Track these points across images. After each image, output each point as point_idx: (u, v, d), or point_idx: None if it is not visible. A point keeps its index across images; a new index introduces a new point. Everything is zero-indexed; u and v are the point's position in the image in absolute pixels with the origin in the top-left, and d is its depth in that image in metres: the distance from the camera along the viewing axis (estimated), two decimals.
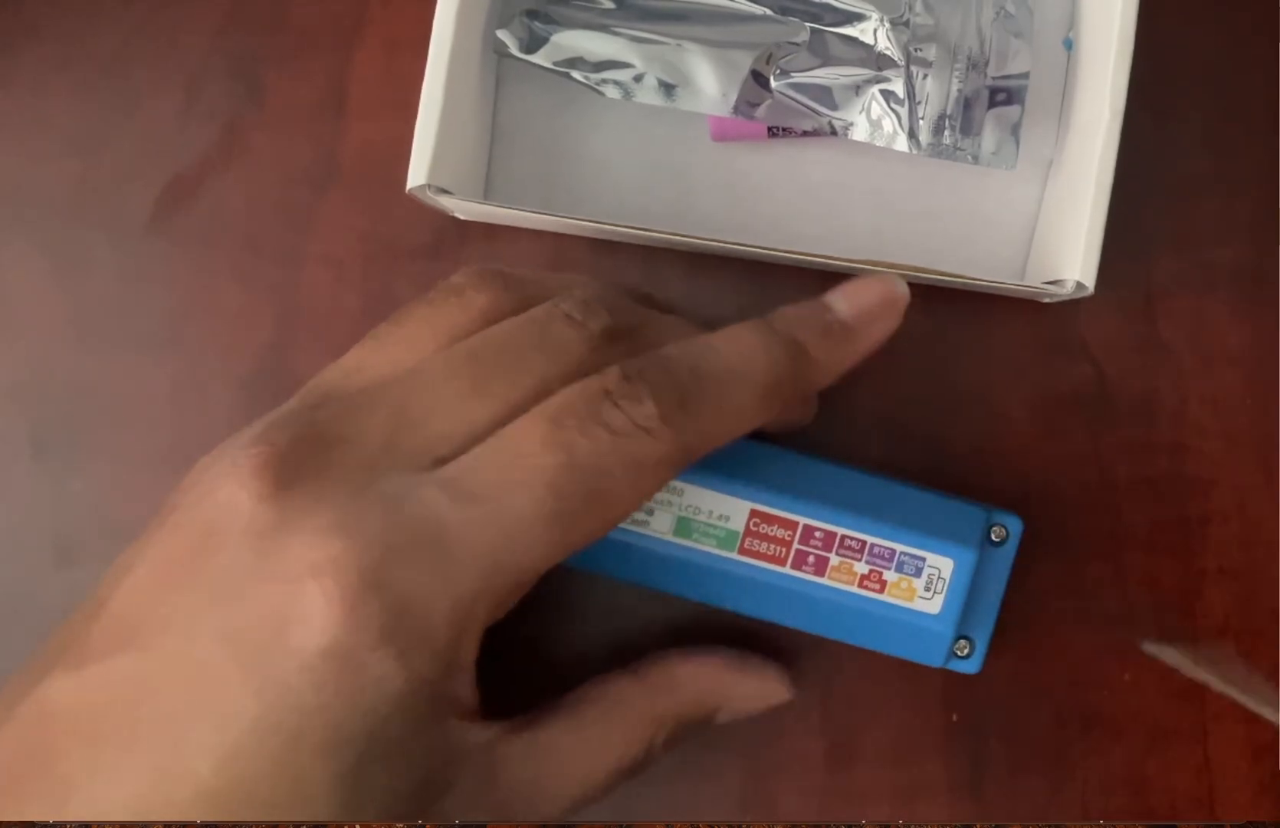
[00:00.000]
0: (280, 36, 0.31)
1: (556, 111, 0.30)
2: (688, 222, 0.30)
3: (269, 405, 0.23)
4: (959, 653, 0.27)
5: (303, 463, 0.20)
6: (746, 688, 0.27)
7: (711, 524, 0.26)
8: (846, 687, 0.29)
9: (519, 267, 0.26)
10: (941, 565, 0.26)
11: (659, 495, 0.26)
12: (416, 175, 0.26)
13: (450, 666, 0.20)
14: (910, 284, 0.29)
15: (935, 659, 0.27)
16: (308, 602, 0.19)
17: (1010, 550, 0.27)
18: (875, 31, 0.28)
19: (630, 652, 0.26)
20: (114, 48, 0.31)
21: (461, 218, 0.30)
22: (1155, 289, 0.30)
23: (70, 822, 0.20)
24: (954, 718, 0.29)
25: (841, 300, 0.25)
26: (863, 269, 0.28)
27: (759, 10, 0.28)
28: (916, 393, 0.30)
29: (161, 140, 0.31)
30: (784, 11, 0.28)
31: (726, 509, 0.26)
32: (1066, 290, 0.27)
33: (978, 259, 0.30)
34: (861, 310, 0.25)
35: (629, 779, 0.24)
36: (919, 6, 0.28)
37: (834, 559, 0.26)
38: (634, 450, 0.21)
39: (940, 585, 0.26)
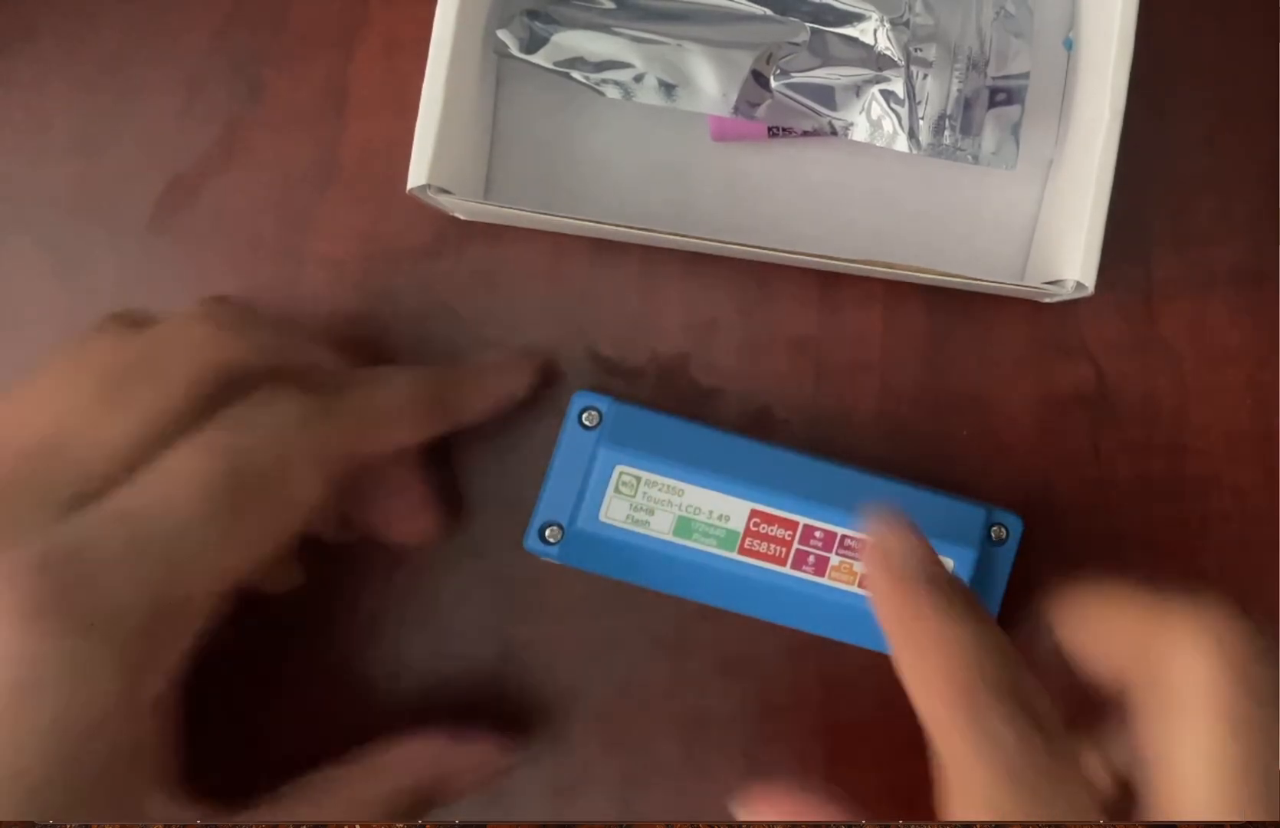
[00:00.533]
0: (280, 36, 0.31)
1: (556, 111, 0.30)
2: (688, 222, 0.30)
3: None
4: None
5: None
6: (462, 761, 0.27)
7: (711, 524, 0.26)
8: (846, 687, 0.29)
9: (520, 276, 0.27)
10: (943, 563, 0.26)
11: (659, 496, 0.26)
12: (416, 175, 0.26)
13: (136, 698, 0.20)
14: (910, 284, 0.29)
15: None
16: None
17: (1010, 550, 0.27)
18: (875, 31, 0.28)
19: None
20: (114, 48, 0.31)
21: (461, 218, 0.30)
22: (1155, 289, 0.30)
23: (71, 823, 0.20)
24: None
25: (482, 358, 0.29)
26: (862, 269, 0.28)
27: (759, 10, 0.28)
28: (916, 393, 0.30)
29: (161, 140, 0.31)
30: (784, 11, 0.28)
31: (727, 509, 0.26)
32: (1066, 290, 0.27)
33: (978, 259, 0.30)
34: (498, 362, 0.28)
35: None
36: (919, 6, 0.28)
37: (834, 559, 0.26)
38: (285, 445, 0.22)
39: None
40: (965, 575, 0.26)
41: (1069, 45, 0.30)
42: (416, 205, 0.28)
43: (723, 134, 0.30)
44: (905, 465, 0.30)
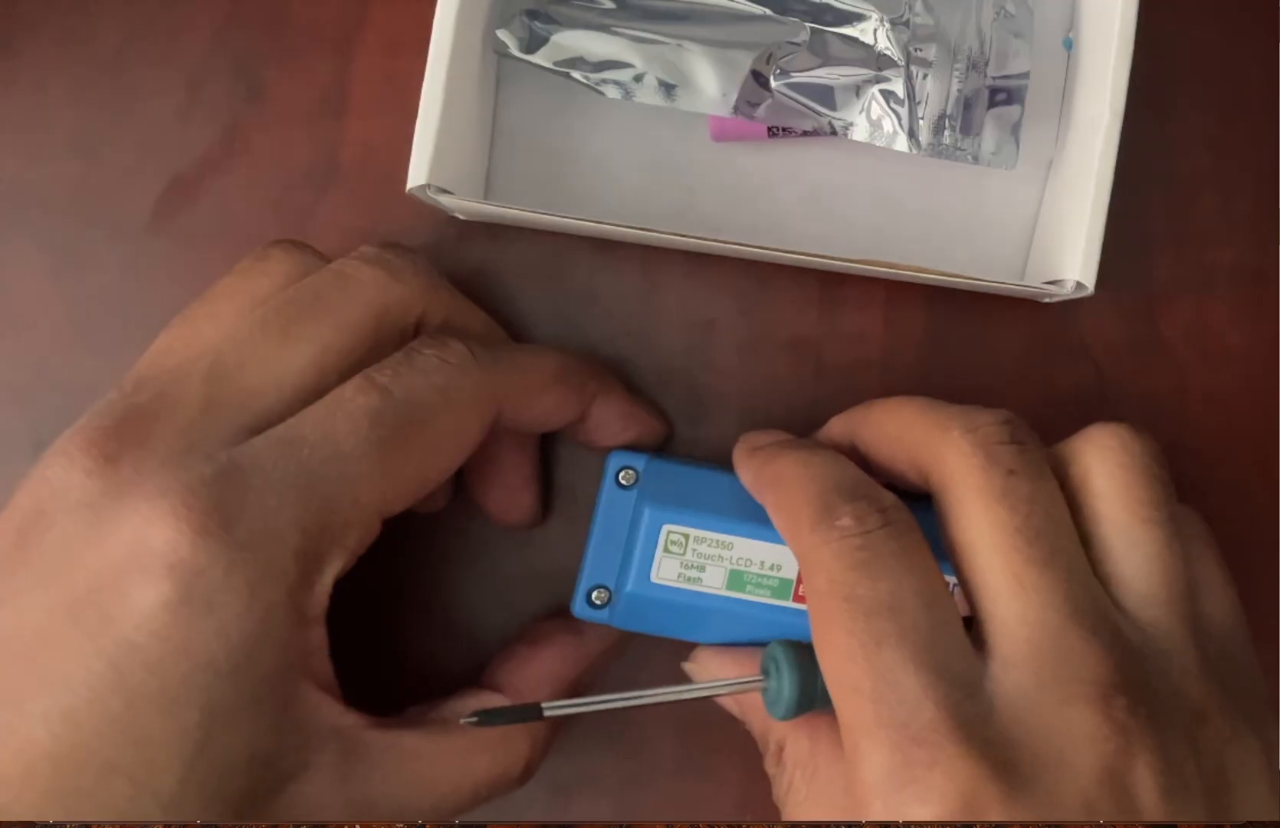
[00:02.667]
0: (280, 36, 0.31)
1: (556, 111, 0.30)
2: (688, 221, 0.30)
3: None
4: None
5: (126, 437, 0.21)
6: (584, 655, 0.27)
7: (764, 575, 0.26)
8: None
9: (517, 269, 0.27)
10: None
11: (708, 551, 0.26)
12: (416, 175, 0.26)
13: (301, 610, 0.21)
14: (910, 284, 0.29)
15: None
16: (146, 554, 0.19)
17: None
18: (875, 31, 0.28)
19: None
20: (114, 48, 0.31)
21: (461, 218, 0.30)
22: (1155, 289, 0.30)
23: (71, 822, 0.20)
24: None
25: (639, 398, 0.29)
26: (862, 269, 0.28)
27: (759, 10, 0.28)
28: (916, 393, 0.30)
29: (161, 140, 0.31)
30: (784, 11, 0.28)
31: (777, 557, 0.26)
32: (1066, 290, 0.27)
33: (978, 259, 0.30)
34: (645, 406, 0.28)
35: (504, 793, 0.24)
36: (919, 6, 0.28)
37: None
38: (446, 384, 0.23)
39: None
40: None
41: (1069, 45, 0.30)
42: (416, 205, 0.28)
43: (723, 134, 0.30)
44: None
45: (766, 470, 0.25)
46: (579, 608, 0.26)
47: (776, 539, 0.25)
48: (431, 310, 0.25)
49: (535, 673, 0.26)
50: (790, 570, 0.26)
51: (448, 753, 0.23)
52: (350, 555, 0.22)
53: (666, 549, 0.26)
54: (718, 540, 0.26)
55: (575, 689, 0.27)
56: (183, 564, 0.19)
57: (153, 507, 0.20)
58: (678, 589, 0.26)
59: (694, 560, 0.26)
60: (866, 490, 0.22)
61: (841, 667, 0.20)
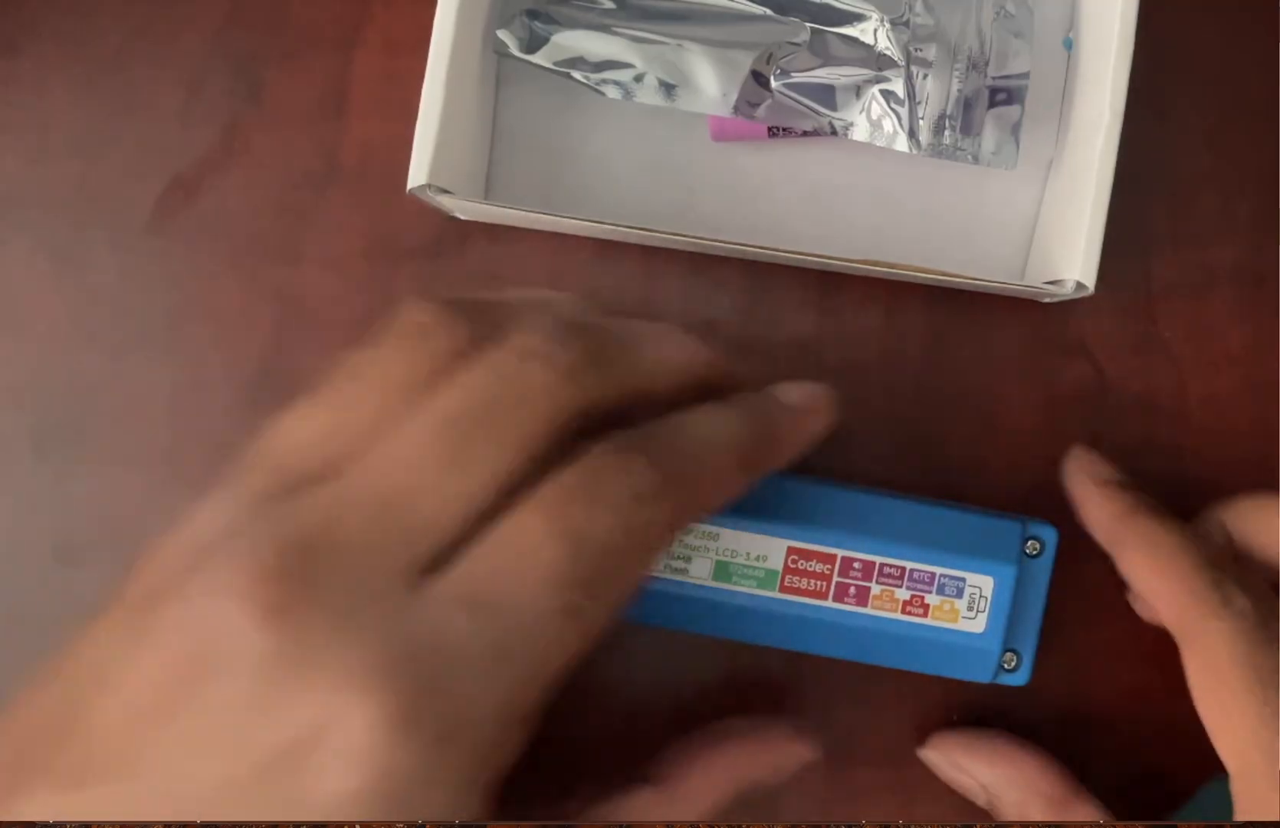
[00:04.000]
0: (280, 36, 0.31)
1: (557, 111, 0.30)
2: (688, 221, 0.30)
3: (269, 406, 0.23)
4: (1007, 667, 0.27)
5: (297, 579, 0.19)
6: (765, 765, 0.26)
7: (750, 566, 0.26)
8: (846, 687, 0.29)
9: (469, 291, 0.26)
10: (982, 584, 0.26)
11: (695, 542, 0.26)
12: (417, 175, 0.26)
13: (485, 789, 0.20)
14: (910, 284, 0.29)
15: (984, 676, 0.27)
16: (338, 738, 0.18)
17: (1047, 561, 0.27)
18: (875, 31, 0.28)
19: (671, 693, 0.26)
20: (114, 48, 0.31)
21: (461, 218, 0.30)
22: (1155, 289, 0.30)
23: (70, 822, 0.19)
24: (954, 718, 0.29)
25: (788, 391, 0.26)
26: (862, 269, 0.28)
27: (759, 10, 0.28)
28: (916, 393, 0.30)
29: (161, 140, 0.31)
30: (784, 11, 0.28)
31: (764, 549, 0.26)
32: (1066, 290, 0.27)
33: (978, 259, 0.30)
34: (806, 398, 0.26)
35: None
36: (919, 6, 0.28)
37: (875, 588, 0.26)
38: (637, 522, 0.21)
39: (983, 603, 0.26)
40: (1007, 592, 0.26)
41: (1069, 45, 0.30)
42: (416, 205, 0.28)
43: (723, 134, 0.30)
44: (905, 466, 0.30)
45: (1134, 527, 0.26)
46: None
47: (761, 529, 0.26)
48: (609, 395, 0.22)
49: (709, 774, 0.25)
50: (776, 562, 0.26)
51: None
52: (530, 722, 0.20)
53: None
54: (704, 531, 0.26)
55: (742, 797, 0.26)
56: (378, 759, 0.18)
57: (344, 684, 0.18)
58: (664, 580, 0.26)
59: (680, 551, 0.26)
60: (1250, 577, 0.25)
61: (1254, 733, 0.23)
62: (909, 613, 0.26)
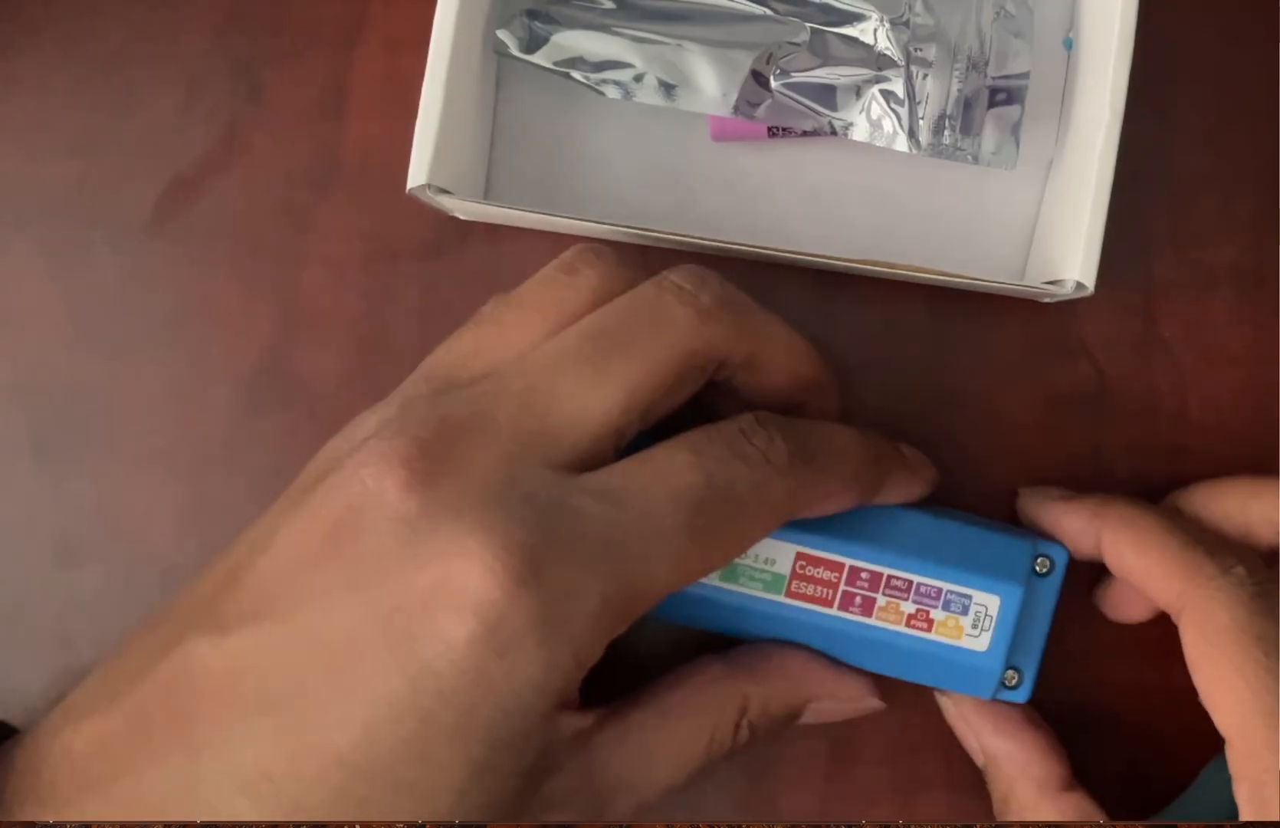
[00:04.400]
0: (280, 36, 0.31)
1: (556, 111, 0.30)
2: (688, 221, 0.30)
3: (269, 406, 0.23)
4: (1008, 684, 0.27)
5: (442, 456, 0.21)
6: (840, 688, 0.26)
7: (758, 568, 0.26)
8: None
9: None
10: (988, 603, 0.26)
11: None
12: (417, 175, 0.26)
13: (581, 666, 0.21)
14: (910, 284, 0.29)
15: (984, 692, 0.27)
16: (458, 589, 0.20)
17: (1056, 580, 0.27)
18: (875, 31, 0.28)
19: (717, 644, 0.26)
20: (114, 48, 0.31)
21: (462, 218, 0.30)
22: (1155, 289, 0.30)
23: (70, 822, 0.20)
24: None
25: (906, 447, 0.27)
26: (862, 269, 0.28)
27: (759, 10, 0.28)
28: (916, 393, 0.30)
29: (161, 140, 0.31)
30: (784, 11, 0.28)
31: (772, 552, 0.26)
32: (1066, 290, 0.27)
33: (978, 259, 0.30)
34: (918, 458, 0.27)
35: (714, 767, 0.25)
36: (919, 6, 0.28)
37: (881, 600, 0.26)
38: (764, 484, 0.22)
39: (988, 622, 0.26)
40: (1012, 612, 0.26)
41: (1069, 45, 0.30)
42: (416, 205, 0.28)
43: (723, 134, 0.30)
44: None
45: (1112, 518, 0.26)
46: None
47: (773, 534, 0.25)
48: (738, 350, 0.24)
49: (787, 674, 0.26)
50: (784, 567, 0.26)
51: (669, 731, 0.24)
52: (629, 624, 0.22)
53: None
54: None
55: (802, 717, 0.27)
56: (491, 607, 0.20)
57: (470, 542, 0.20)
58: None
59: None
60: (1242, 548, 0.25)
61: (1255, 696, 0.23)
62: (913, 627, 0.26)
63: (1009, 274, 0.30)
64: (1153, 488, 0.30)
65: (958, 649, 0.26)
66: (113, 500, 0.30)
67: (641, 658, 0.28)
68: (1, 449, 0.30)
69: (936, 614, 0.26)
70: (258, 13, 0.31)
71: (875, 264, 0.27)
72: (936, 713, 0.29)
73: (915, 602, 0.26)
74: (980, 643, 0.26)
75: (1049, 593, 0.27)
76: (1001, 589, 0.26)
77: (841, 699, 0.26)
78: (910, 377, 0.30)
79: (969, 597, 0.26)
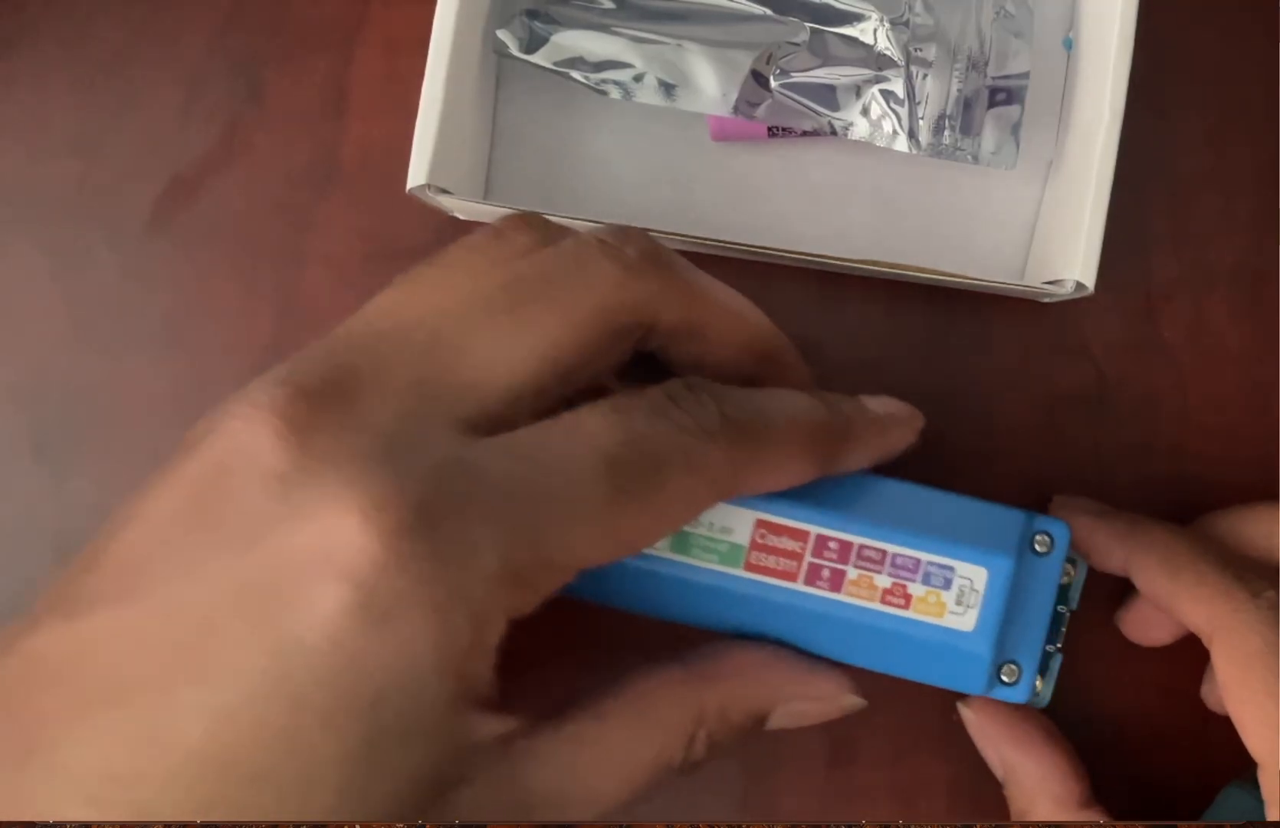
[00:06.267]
0: (280, 36, 0.31)
1: (557, 111, 0.30)
2: (688, 221, 0.30)
3: None
4: (1005, 679, 0.24)
5: (327, 403, 0.19)
6: (810, 686, 0.23)
7: (713, 539, 0.23)
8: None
9: None
10: (973, 575, 0.23)
11: None
12: (416, 175, 0.26)
13: (482, 641, 0.18)
14: (910, 284, 0.29)
15: (975, 685, 0.24)
16: (331, 549, 0.17)
17: (1057, 561, 0.24)
18: (875, 31, 0.28)
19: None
20: (114, 48, 0.31)
21: (462, 218, 0.30)
22: (1155, 289, 0.30)
23: (70, 822, 0.19)
24: (954, 718, 0.29)
25: (874, 401, 0.25)
26: (862, 269, 0.28)
27: (759, 10, 0.28)
28: (916, 393, 0.30)
29: (161, 140, 0.31)
30: (784, 11, 0.28)
31: (730, 521, 0.23)
32: (1066, 290, 0.27)
33: (978, 259, 0.30)
34: (890, 408, 0.25)
35: (666, 784, 0.22)
36: (919, 6, 0.28)
37: (851, 573, 0.23)
38: (693, 448, 0.20)
39: (973, 598, 0.23)
40: (1001, 587, 0.23)
41: (1069, 45, 0.30)
42: (416, 205, 0.28)
43: (723, 134, 0.30)
44: (904, 466, 0.29)
45: (1143, 539, 0.26)
46: None
47: (730, 500, 0.23)
48: (669, 312, 0.22)
49: (755, 674, 0.23)
50: (742, 536, 0.23)
51: (610, 741, 0.21)
52: (539, 600, 0.19)
53: None
54: None
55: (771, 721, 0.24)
56: (367, 567, 0.17)
57: (346, 495, 0.17)
58: None
59: None
60: (1271, 570, 0.25)
61: None
62: (888, 603, 0.23)
63: (1009, 274, 0.30)
64: (1153, 488, 0.30)
65: (940, 630, 0.23)
66: (113, 500, 0.30)
67: (591, 668, 0.28)
68: (1, 449, 0.30)
69: (915, 588, 0.23)
70: (258, 13, 0.31)
71: (875, 264, 0.27)
72: (936, 713, 0.29)
73: (891, 574, 0.23)
74: (965, 622, 0.23)
75: (1049, 575, 0.24)
76: (989, 561, 0.23)
77: (813, 699, 0.23)
78: (910, 377, 0.30)
79: (951, 569, 0.23)
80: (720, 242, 0.27)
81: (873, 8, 0.28)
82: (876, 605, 0.23)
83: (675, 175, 0.30)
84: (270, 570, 0.17)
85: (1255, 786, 0.25)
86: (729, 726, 0.22)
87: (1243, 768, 0.25)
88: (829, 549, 0.23)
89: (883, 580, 0.23)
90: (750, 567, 0.23)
